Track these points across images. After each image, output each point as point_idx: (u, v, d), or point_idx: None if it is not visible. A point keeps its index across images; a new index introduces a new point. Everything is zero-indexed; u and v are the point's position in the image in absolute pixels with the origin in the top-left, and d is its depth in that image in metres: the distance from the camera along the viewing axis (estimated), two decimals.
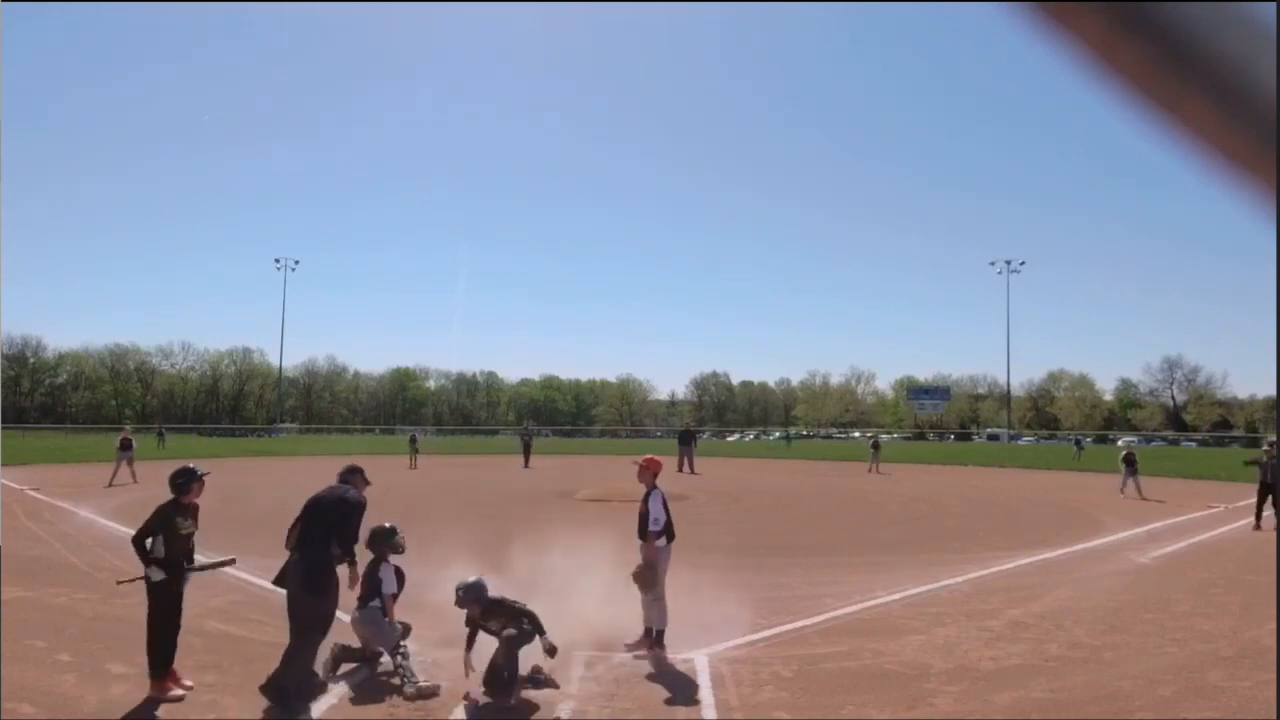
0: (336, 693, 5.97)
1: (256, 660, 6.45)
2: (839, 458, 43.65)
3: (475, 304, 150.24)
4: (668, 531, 7.21)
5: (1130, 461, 23.26)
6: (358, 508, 6.15)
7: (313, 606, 5.77)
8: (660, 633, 6.98)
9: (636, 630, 7.26)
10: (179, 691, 5.77)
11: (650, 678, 6.36)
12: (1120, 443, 75.11)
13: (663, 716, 5.59)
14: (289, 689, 5.59)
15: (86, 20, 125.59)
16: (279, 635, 7.36)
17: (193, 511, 6.19)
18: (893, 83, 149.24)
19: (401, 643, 6.28)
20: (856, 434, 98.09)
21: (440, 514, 15.94)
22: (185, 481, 6.15)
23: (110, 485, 21.50)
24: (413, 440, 34.86)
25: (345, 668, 6.37)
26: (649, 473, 7.38)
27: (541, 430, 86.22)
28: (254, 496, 19.37)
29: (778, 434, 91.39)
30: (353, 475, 6.49)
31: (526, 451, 34.65)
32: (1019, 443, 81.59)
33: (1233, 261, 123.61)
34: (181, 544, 6.00)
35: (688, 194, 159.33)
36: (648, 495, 7.26)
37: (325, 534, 5.94)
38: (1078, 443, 50.41)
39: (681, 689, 6.08)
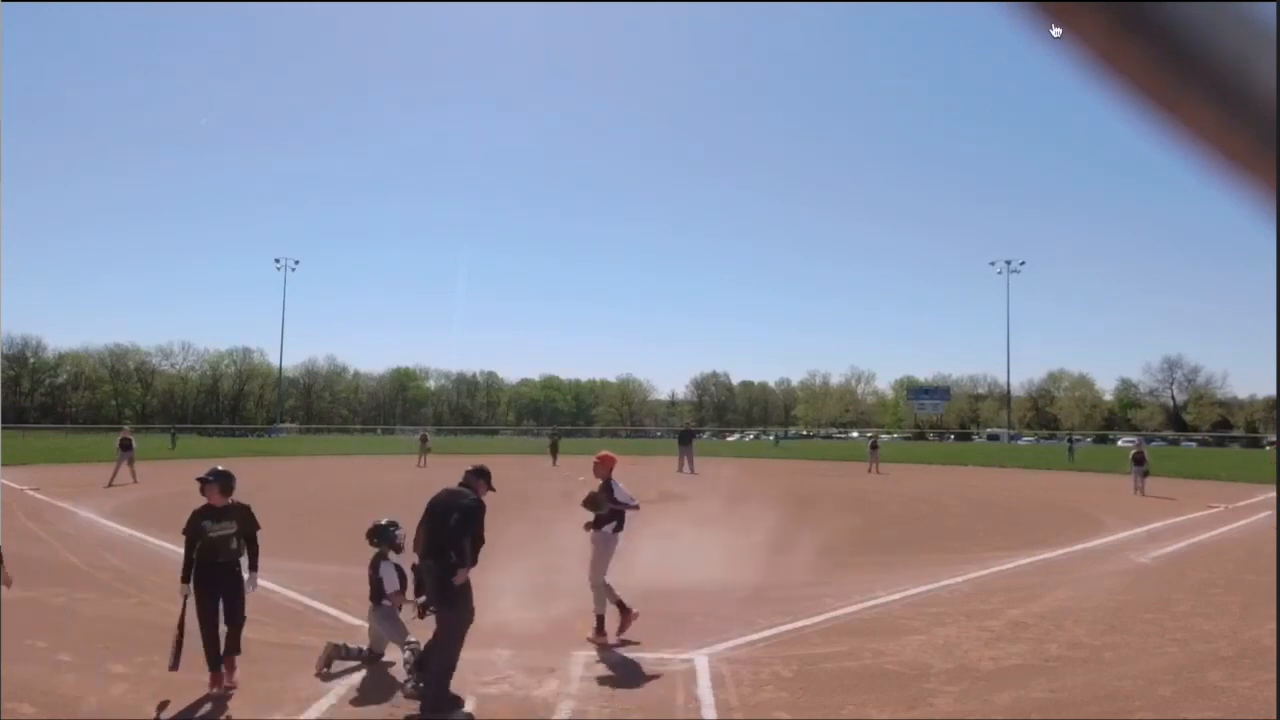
0: (336, 693, 5.97)
1: (257, 660, 6.45)
2: (838, 458, 43.62)
3: (475, 304, 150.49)
4: (617, 520, 7.53)
5: (1139, 460, 23.38)
6: (471, 513, 5.92)
7: (446, 618, 5.76)
8: (601, 619, 7.33)
9: (637, 629, 7.27)
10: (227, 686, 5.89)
11: (650, 678, 6.36)
12: (1122, 442, 75.37)
13: (663, 716, 5.58)
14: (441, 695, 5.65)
15: (86, 20, 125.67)
16: (279, 635, 7.38)
17: (222, 513, 6.24)
18: (893, 83, 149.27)
19: (410, 638, 6.28)
20: (854, 434, 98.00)
21: None
22: (200, 484, 6.32)
23: (110, 485, 21.51)
24: (423, 439, 35.45)
25: (339, 666, 6.37)
26: (604, 468, 7.77)
27: (543, 431, 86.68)
28: (253, 497, 19.35)
29: (769, 435, 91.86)
30: (476, 478, 6.24)
31: (554, 451, 35.21)
32: (1019, 443, 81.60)
33: (1233, 261, 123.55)
34: (209, 545, 6.09)
35: (688, 194, 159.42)
36: (605, 485, 7.65)
37: (444, 541, 5.81)
38: (1070, 443, 50.22)
39: (682, 689, 6.08)
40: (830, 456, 45.68)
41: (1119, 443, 78.39)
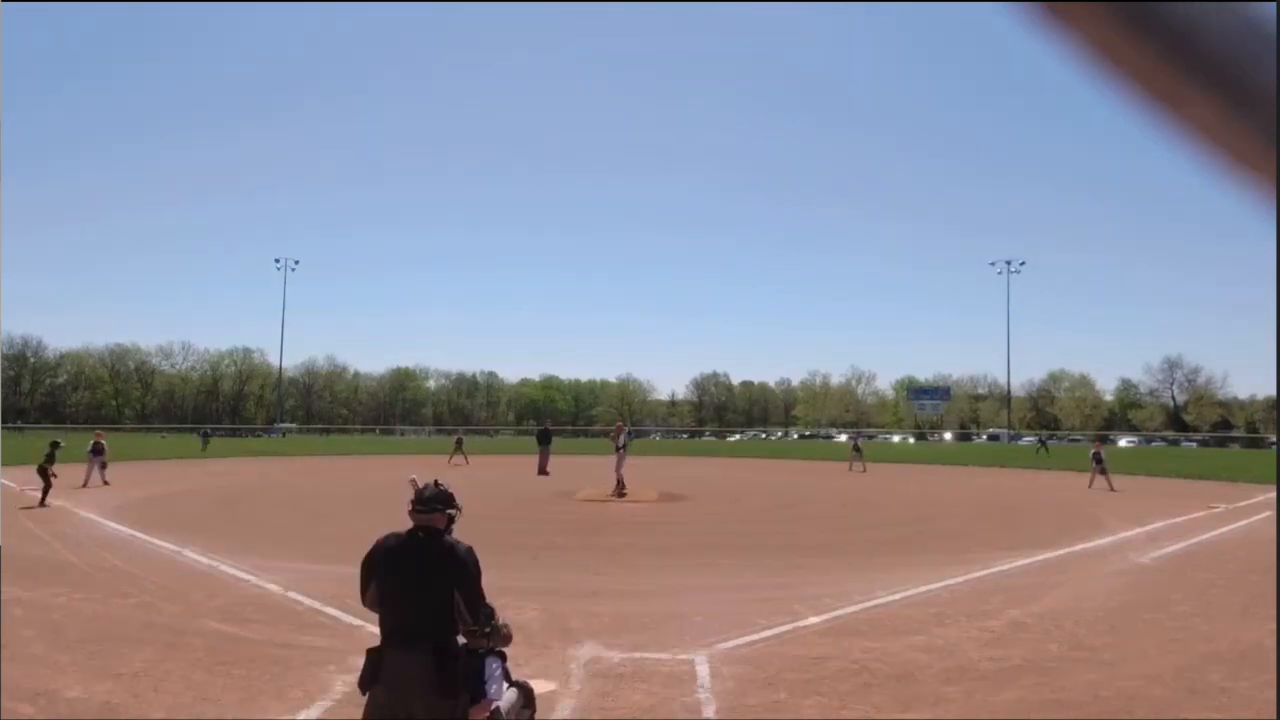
0: (336, 693, 5.96)
1: (257, 660, 6.45)
2: (836, 458, 43.54)
3: (475, 303, 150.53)
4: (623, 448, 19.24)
5: (1098, 459, 24.76)
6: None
7: None
8: (615, 485, 18.25)
9: (636, 629, 7.31)
10: None
11: (650, 678, 6.35)
12: (1122, 442, 75.66)
13: (663, 716, 5.58)
14: None
15: (86, 21, 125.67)
16: (279, 635, 7.37)
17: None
18: (895, 83, 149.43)
19: None
20: (832, 434, 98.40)
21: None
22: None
23: (84, 486, 21.10)
24: (458, 442, 38.73)
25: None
26: (618, 431, 18.55)
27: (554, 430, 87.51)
28: (254, 497, 19.37)
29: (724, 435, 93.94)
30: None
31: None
32: (1019, 443, 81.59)
33: (1233, 261, 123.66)
34: None
35: (688, 194, 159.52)
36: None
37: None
38: (1041, 441, 50.51)
39: (681, 689, 6.07)
40: (821, 457, 45.40)
41: (1120, 443, 78.52)
